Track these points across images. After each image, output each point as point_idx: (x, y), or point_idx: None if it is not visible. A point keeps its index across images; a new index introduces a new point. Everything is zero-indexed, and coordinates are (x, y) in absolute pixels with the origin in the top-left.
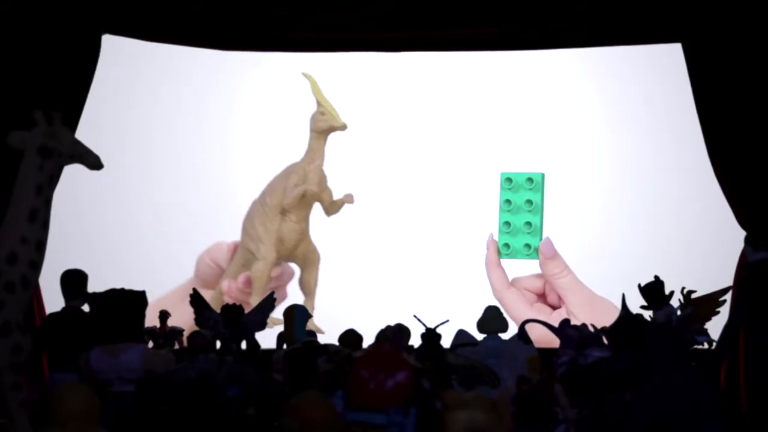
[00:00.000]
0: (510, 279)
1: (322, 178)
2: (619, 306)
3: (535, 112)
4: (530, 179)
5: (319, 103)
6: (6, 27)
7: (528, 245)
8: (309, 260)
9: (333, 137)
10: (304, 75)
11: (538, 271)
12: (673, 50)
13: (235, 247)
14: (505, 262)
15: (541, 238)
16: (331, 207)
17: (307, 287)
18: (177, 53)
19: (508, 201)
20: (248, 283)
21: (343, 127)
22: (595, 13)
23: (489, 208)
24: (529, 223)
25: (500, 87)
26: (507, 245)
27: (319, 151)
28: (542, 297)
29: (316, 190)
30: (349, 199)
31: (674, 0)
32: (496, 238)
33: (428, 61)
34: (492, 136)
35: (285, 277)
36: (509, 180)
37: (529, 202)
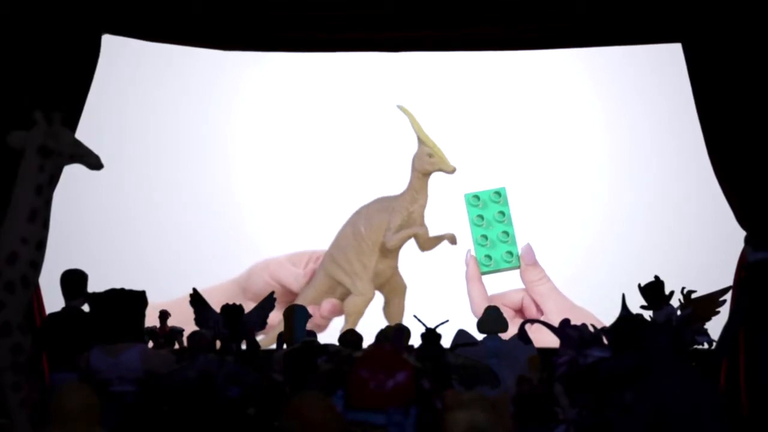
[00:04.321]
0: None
1: (424, 211)
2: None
3: (525, 115)
4: (497, 193)
5: (422, 142)
6: (6, 27)
7: (509, 253)
8: (397, 290)
9: (333, 144)
10: (400, 108)
11: (515, 286)
12: (673, 50)
13: (312, 273)
14: (485, 278)
15: (518, 247)
16: (428, 243)
17: (395, 317)
18: (177, 53)
19: (480, 216)
20: (333, 311)
21: (453, 171)
22: (595, 13)
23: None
24: (506, 233)
25: (493, 88)
26: (488, 257)
27: (422, 191)
28: (520, 312)
29: (424, 233)
30: (452, 239)
31: (674, 0)
32: (473, 254)
33: (418, 63)
34: (481, 145)
35: (335, 314)
36: (476, 198)
37: (501, 213)
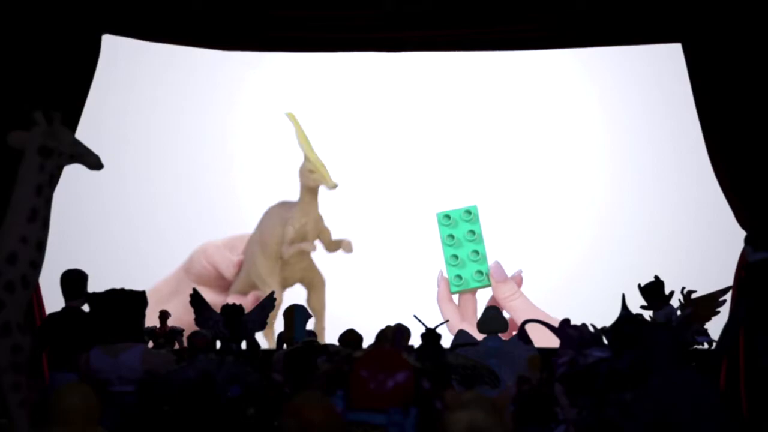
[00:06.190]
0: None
1: (318, 221)
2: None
3: (525, 115)
4: (468, 212)
5: (306, 158)
6: (6, 27)
7: (479, 272)
8: (314, 284)
9: (333, 144)
10: (287, 116)
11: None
12: (673, 50)
13: (240, 264)
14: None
15: (488, 265)
16: (330, 246)
17: (314, 309)
18: (177, 53)
19: (450, 236)
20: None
21: (333, 187)
22: (595, 13)
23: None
24: (476, 252)
25: (492, 89)
26: (459, 276)
27: (312, 204)
28: None
29: (313, 249)
30: (347, 247)
31: (674, 0)
32: (445, 274)
33: (418, 63)
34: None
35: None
36: (447, 217)
37: (472, 232)
